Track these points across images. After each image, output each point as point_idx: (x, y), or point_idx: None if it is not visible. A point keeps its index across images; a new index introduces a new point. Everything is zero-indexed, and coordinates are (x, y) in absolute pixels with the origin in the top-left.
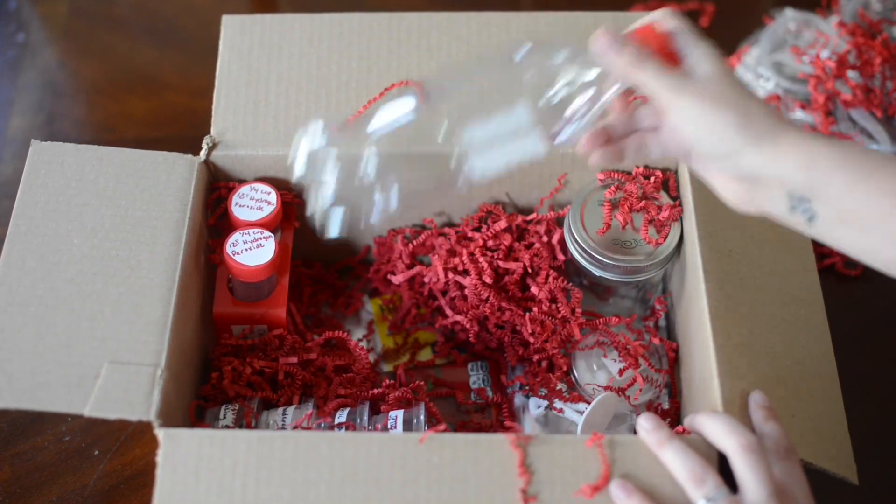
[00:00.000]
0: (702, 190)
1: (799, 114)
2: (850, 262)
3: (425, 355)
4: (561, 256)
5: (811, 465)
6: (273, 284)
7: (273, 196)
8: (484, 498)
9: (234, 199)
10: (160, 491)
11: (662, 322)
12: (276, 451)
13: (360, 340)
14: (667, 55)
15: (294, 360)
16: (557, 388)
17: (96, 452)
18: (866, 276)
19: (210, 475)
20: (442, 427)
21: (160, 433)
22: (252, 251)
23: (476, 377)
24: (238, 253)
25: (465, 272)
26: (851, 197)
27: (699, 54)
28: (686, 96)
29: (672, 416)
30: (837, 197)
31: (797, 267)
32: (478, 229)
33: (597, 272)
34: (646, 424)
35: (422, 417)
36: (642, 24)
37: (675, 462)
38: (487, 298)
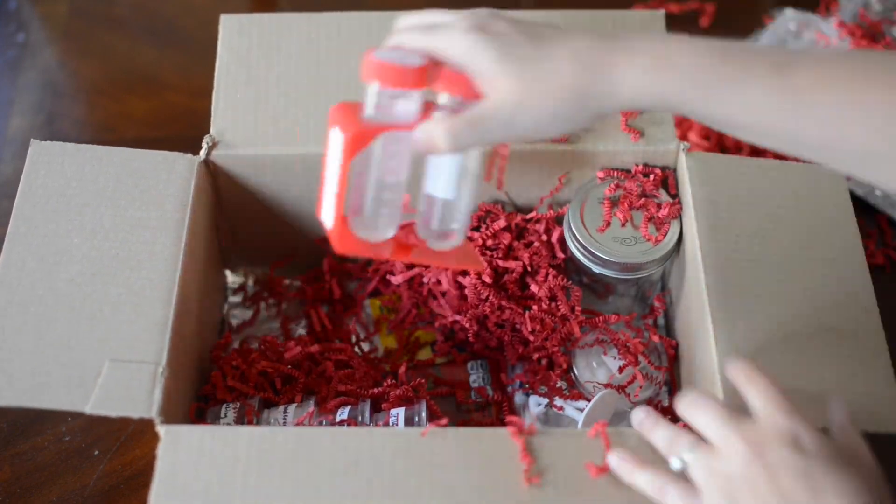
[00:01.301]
0: (701, 188)
1: None
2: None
3: (425, 354)
4: (560, 255)
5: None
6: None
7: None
8: (487, 481)
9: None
10: (158, 481)
11: (661, 321)
12: (277, 444)
13: (360, 341)
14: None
15: (298, 349)
16: (557, 385)
17: (96, 452)
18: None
19: (210, 466)
20: (444, 422)
21: (161, 429)
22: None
23: (476, 376)
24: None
25: (464, 272)
26: (714, 109)
27: (469, 64)
28: (514, 128)
29: (672, 413)
30: (701, 114)
31: (800, 262)
32: (477, 228)
33: (596, 269)
34: (640, 413)
35: (423, 415)
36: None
37: (657, 437)
38: (487, 297)
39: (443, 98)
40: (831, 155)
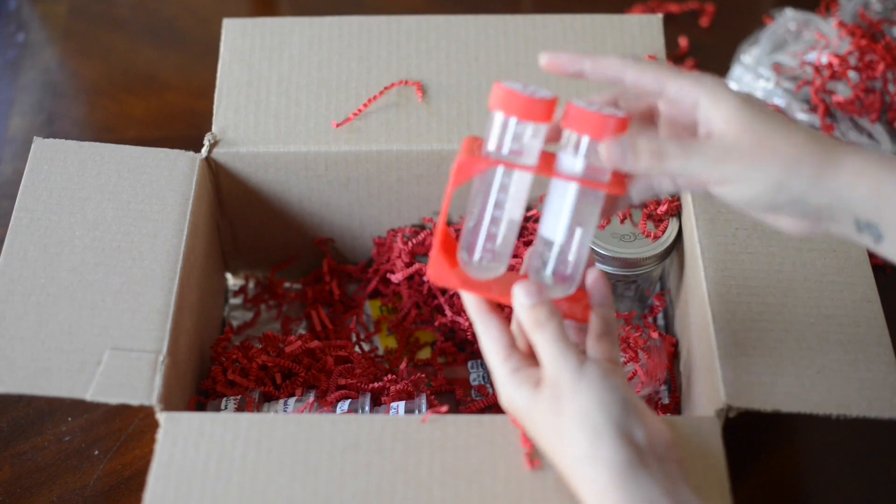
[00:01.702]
0: None
1: (801, 115)
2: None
3: (425, 354)
4: None
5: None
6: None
7: None
8: (487, 464)
9: None
10: (157, 465)
11: (661, 321)
12: (277, 429)
13: (361, 341)
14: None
15: (298, 343)
16: None
17: (96, 452)
18: (893, 269)
19: (210, 450)
20: (444, 409)
21: (161, 416)
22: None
23: (476, 374)
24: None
25: None
26: None
27: (710, 103)
28: (723, 166)
29: (672, 410)
30: None
31: (799, 254)
32: None
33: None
34: (524, 301)
35: (423, 408)
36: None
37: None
38: None
39: (566, 134)
40: None
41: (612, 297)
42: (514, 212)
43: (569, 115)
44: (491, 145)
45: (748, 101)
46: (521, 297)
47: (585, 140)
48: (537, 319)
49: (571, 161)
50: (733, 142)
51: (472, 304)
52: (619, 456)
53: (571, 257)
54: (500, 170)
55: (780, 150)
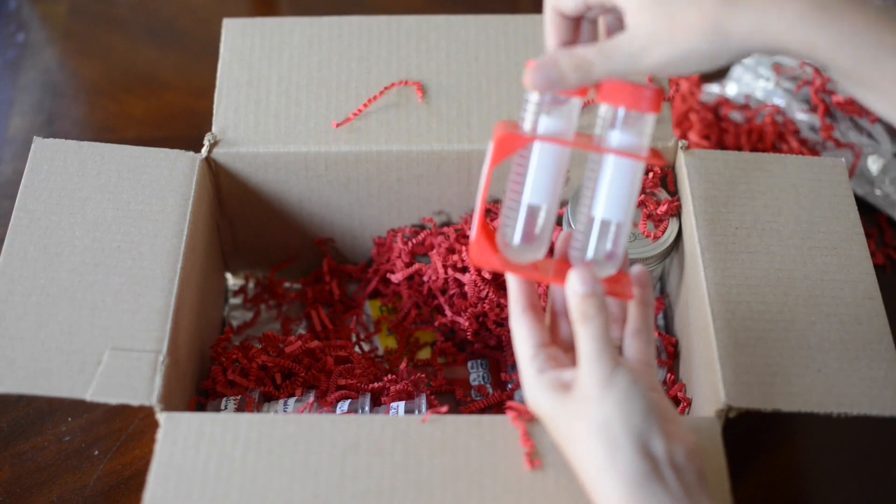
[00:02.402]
0: (700, 184)
1: (801, 115)
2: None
3: (425, 354)
4: None
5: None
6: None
7: None
8: (488, 464)
9: None
10: (157, 465)
11: (661, 321)
12: (277, 429)
13: (361, 341)
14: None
15: (298, 344)
16: None
17: (96, 452)
18: (892, 269)
19: (210, 450)
20: (444, 409)
21: (161, 416)
22: None
23: (476, 374)
24: None
25: (465, 269)
26: (862, 71)
27: (626, 7)
28: (646, 58)
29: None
30: (848, 71)
31: (800, 252)
32: None
33: None
34: (578, 288)
35: (423, 408)
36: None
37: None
38: (487, 294)
39: (602, 109)
40: None
41: (653, 295)
42: (553, 190)
43: (603, 90)
44: (527, 125)
45: None
46: (575, 285)
47: (621, 112)
48: (585, 312)
49: (608, 135)
50: (647, 30)
51: (514, 300)
52: (635, 468)
53: (614, 232)
54: (536, 148)
55: (697, 28)
